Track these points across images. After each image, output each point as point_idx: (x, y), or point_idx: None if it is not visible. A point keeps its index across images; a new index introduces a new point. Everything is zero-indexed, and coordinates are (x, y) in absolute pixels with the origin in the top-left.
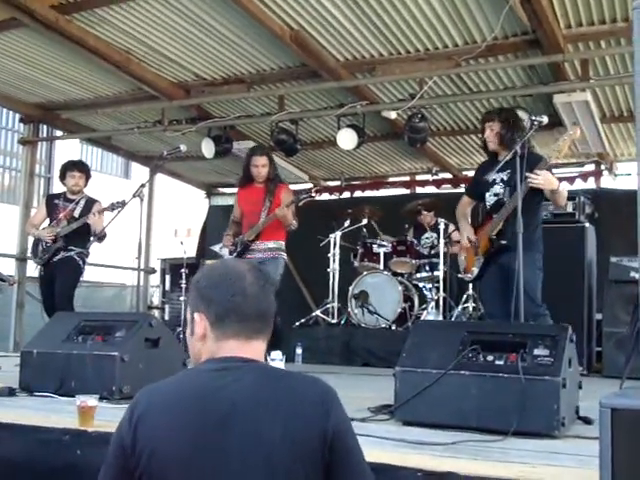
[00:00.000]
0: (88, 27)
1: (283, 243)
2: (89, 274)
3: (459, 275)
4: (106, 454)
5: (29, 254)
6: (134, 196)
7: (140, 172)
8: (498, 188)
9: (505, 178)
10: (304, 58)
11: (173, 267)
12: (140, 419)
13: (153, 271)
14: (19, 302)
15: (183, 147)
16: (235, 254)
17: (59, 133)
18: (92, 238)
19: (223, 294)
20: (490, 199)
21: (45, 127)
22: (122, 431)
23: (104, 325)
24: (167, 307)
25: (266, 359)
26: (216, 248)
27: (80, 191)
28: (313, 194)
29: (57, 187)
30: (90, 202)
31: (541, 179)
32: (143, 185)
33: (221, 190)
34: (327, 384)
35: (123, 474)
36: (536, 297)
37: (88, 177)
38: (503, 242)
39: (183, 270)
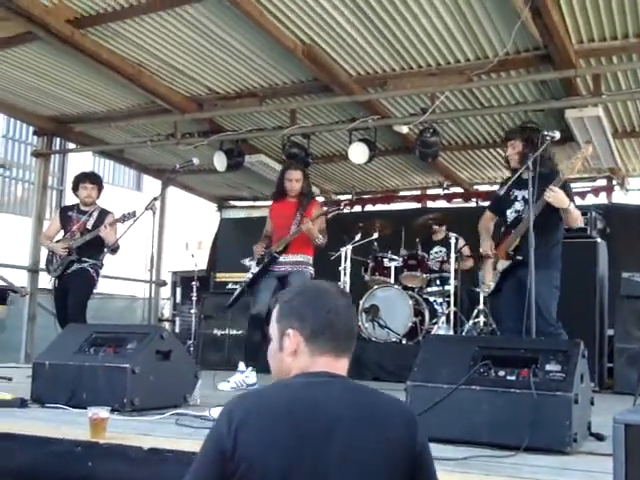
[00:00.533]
0: (102, 41)
1: (311, 257)
2: (100, 285)
3: (476, 289)
4: (198, 459)
5: (43, 266)
6: (146, 209)
7: (152, 185)
8: (519, 205)
9: (526, 196)
10: (316, 72)
11: (184, 280)
12: (240, 427)
13: (164, 284)
14: (31, 314)
15: (196, 160)
16: (262, 265)
17: (72, 146)
18: (105, 250)
19: (318, 311)
20: (511, 215)
21: (58, 140)
22: (221, 437)
23: (116, 337)
24: (178, 320)
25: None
26: (245, 262)
27: (93, 202)
28: (342, 208)
29: (69, 199)
30: (103, 213)
31: (552, 196)
32: (155, 198)
33: (232, 203)
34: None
35: (218, 476)
36: (550, 316)
37: (100, 188)
38: (519, 257)
39: (194, 283)
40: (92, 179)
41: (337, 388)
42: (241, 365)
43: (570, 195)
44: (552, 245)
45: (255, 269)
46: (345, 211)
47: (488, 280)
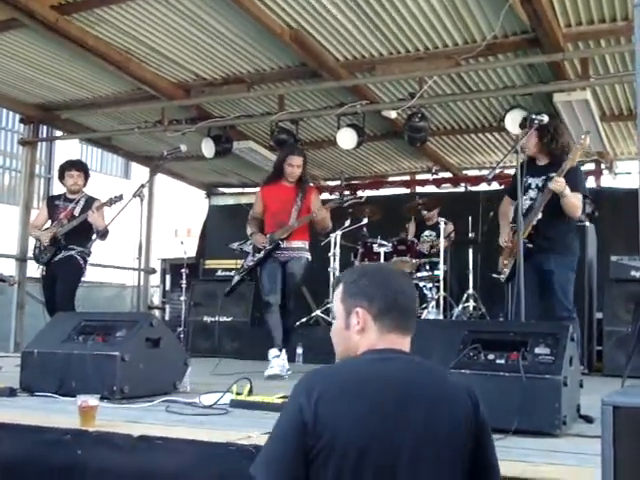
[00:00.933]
0: (88, 27)
1: (308, 243)
2: (89, 274)
3: (494, 275)
4: (278, 431)
5: (31, 255)
6: (134, 196)
7: (140, 172)
8: (533, 193)
9: (540, 184)
10: (304, 58)
11: (173, 267)
12: (320, 400)
13: (153, 271)
14: (19, 303)
15: (183, 147)
16: (264, 252)
17: (59, 133)
18: (94, 236)
19: (386, 291)
20: (525, 203)
21: (45, 127)
22: (302, 409)
23: (105, 325)
24: (167, 307)
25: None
26: (234, 245)
27: (79, 190)
28: (362, 198)
29: (57, 187)
30: (90, 201)
31: (554, 183)
32: (143, 185)
33: (221, 190)
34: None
35: (299, 447)
36: (567, 300)
37: (87, 176)
38: (529, 245)
39: (183, 270)
40: (78, 167)
41: (407, 365)
42: (273, 351)
43: (577, 185)
44: (565, 231)
45: (255, 256)
46: (333, 197)
47: (504, 267)
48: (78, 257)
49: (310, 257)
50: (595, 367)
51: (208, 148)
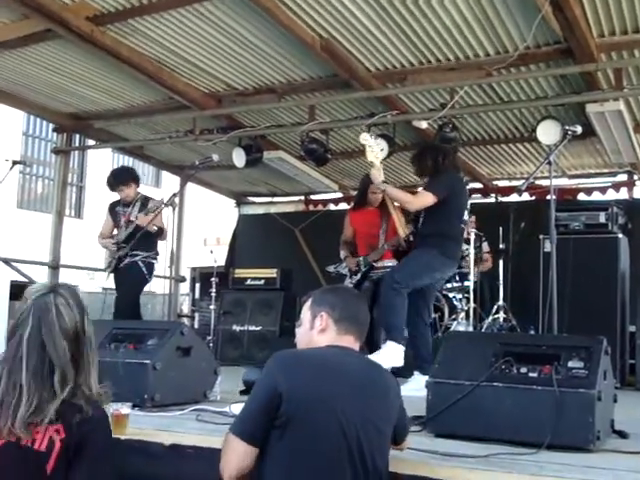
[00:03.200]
0: (121, 38)
1: (395, 261)
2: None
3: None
4: (254, 397)
5: (63, 262)
6: (166, 205)
7: (171, 181)
8: None
9: None
10: (335, 68)
11: (203, 276)
12: (293, 374)
13: (183, 279)
14: None
15: (215, 157)
16: (360, 274)
17: (91, 142)
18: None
19: (346, 303)
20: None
21: (78, 136)
22: (277, 381)
23: (136, 333)
24: (197, 315)
25: None
26: (330, 268)
27: (134, 198)
28: None
29: (89, 195)
30: (145, 201)
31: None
32: (175, 194)
33: (251, 199)
34: None
35: (269, 411)
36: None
37: (137, 184)
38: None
39: (213, 279)
40: (124, 182)
41: (360, 359)
42: None
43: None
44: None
45: (353, 279)
46: None
47: None
48: (141, 263)
49: None
50: (628, 381)
51: (239, 158)
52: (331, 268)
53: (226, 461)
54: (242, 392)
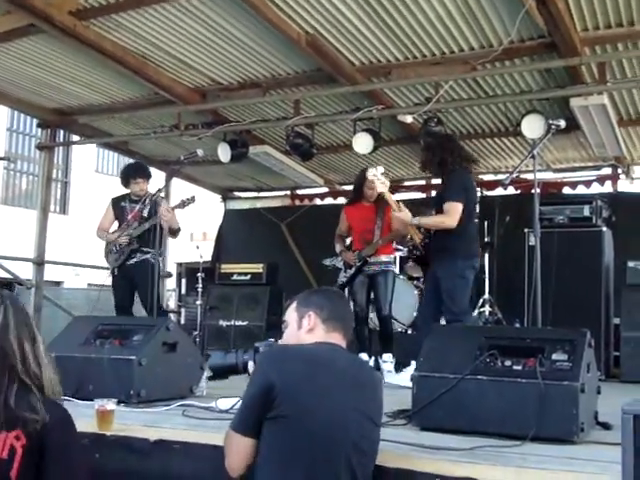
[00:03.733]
0: (105, 32)
1: (393, 257)
2: (106, 278)
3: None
4: (249, 392)
5: (48, 259)
6: (151, 200)
7: (156, 176)
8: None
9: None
10: (320, 62)
11: (189, 271)
12: (286, 369)
13: (169, 275)
14: (36, 306)
15: (200, 152)
16: (355, 269)
17: (76, 138)
18: (165, 234)
19: (333, 303)
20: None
21: (62, 132)
22: (270, 375)
23: (122, 329)
24: (183, 311)
25: (377, 360)
26: (327, 262)
27: (145, 194)
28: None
29: (74, 192)
30: (157, 200)
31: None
32: (160, 190)
33: (237, 194)
34: None
35: (264, 404)
36: (454, 304)
37: (150, 179)
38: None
39: (199, 274)
40: (141, 174)
41: (346, 354)
42: (362, 356)
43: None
44: (451, 236)
45: (347, 272)
46: None
47: None
48: (152, 260)
49: (396, 270)
50: (612, 373)
51: (224, 152)
52: (327, 261)
53: (230, 457)
54: (210, 378)
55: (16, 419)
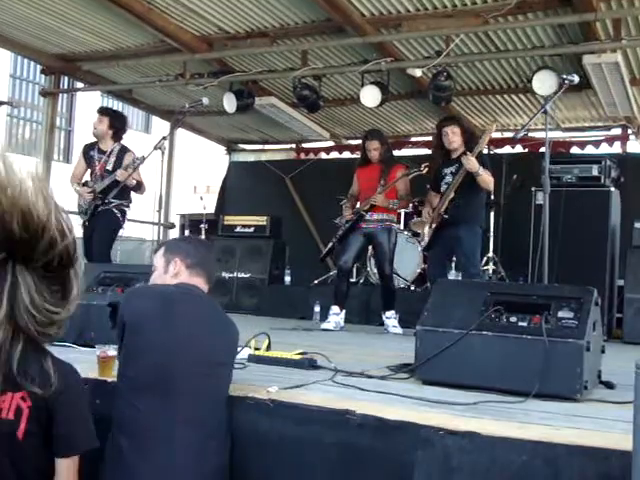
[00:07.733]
0: None
1: (394, 216)
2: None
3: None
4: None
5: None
6: (155, 148)
7: (161, 127)
8: (448, 179)
9: (453, 170)
10: (329, 12)
11: (192, 222)
12: (135, 305)
13: (172, 226)
14: None
15: (205, 100)
16: (350, 223)
17: (80, 85)
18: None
19: (198, 251)
20: (443, 187)
21: (66, 79)
22: (122, 310)
23: (124, 277)
24: None
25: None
26: (337, 220)
27: (103, 136)
28: (422, 170)
29: (78, 140)
30: (122, 152)
31: (467, 162)
32: (165, 137)
33: (242, 146)
34: None
35: (121, 335)
36: (473, 262)
37: (114, 124)
38: (445, 216)
39: (202, 225)
40: (101, 111)
41: (202, 295)
42: (334, 308)
43: (484, 164)
44: (475, 205)
45: (345, 226)
46: (354, 156)
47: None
48: (115, 210)
49: (398, 226)
50: (615, 334)
51: (230, 103)
52: (337, 220)
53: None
54: (110, 315)
55: (22, 381)
